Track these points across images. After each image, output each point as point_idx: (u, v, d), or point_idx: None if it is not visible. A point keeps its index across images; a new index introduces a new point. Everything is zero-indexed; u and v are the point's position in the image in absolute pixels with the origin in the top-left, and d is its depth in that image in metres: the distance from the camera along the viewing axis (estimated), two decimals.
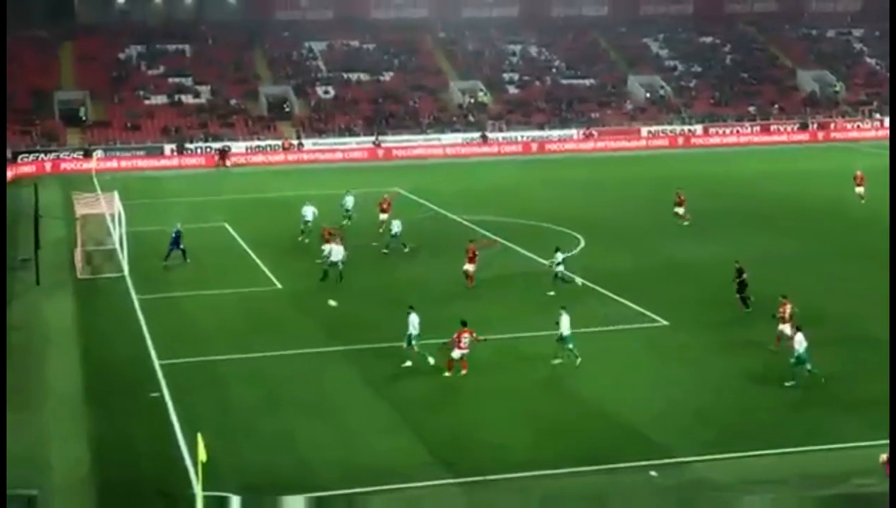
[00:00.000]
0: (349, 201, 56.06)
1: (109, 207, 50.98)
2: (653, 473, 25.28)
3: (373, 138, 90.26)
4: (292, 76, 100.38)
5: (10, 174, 76.56)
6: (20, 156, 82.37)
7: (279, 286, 43.75)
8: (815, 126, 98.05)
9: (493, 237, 51.99)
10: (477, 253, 43.22)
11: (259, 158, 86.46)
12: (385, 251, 49.22)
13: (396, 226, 49.53)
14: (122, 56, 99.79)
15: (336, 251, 43.90)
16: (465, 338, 32.11)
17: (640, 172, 77.66)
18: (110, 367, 33.96)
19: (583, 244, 51.34)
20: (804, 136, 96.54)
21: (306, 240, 51.17)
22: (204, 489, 21.96)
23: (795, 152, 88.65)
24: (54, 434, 28.43)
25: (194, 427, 25.40)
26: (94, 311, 41.07)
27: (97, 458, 26.76)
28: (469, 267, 42.83)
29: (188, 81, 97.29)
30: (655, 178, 73.99)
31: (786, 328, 33.42)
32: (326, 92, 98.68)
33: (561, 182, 73.87)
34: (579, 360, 32.80)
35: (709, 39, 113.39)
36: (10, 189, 71.54)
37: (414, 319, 33.17)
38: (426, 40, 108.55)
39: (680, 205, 56.26)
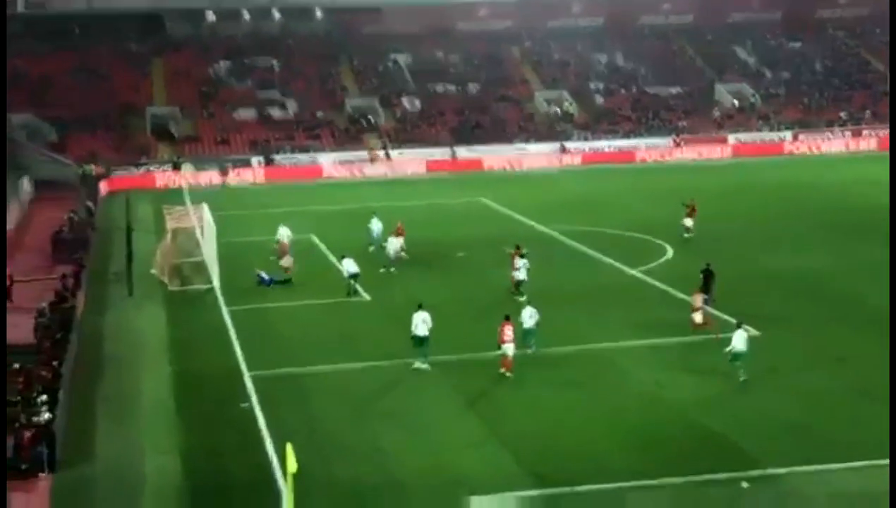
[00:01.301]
0: (376, 226, 53.11)
1: (199, 220, 51.66)
2: (745, 484, 24.94)
3: (457, 149, 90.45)
4: (378, 88, 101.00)
5: (103, 189, 78.20)
6: (113, 171, 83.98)
7: (367, 297, 43.92)
8: None
9: (587, 249, 51.70)
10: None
11: (345, 170, 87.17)
12: (387, 270, 48.54)
13: (392, 247, 49.04)
14: (211, 71, 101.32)
15: (348, 263, 44.36)
16: (508, 331, 32.90)
17: (729, 180, 76.69)
18: (201, 378, 34.44)
19: (670, 253, 50.88)
20: None
21: (371, 249, 51.88)
22: (294, 500, 22.07)
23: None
24: (147, 443, 28.87)
25: (284, 437, 25.55)
26: (185, 322, 41.66)
27: (188, 467, 27.13)
28: (515, 273, 43.29)
29: (275, 95, 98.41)
30: (744, 186, 73.17)
31: (696, 316, 36.70)
32: (412, 103, 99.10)
33: (648, 191, 73.24)
34: (534, 349, 34.65)
35: (798, 45, 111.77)
36: (103, 202, 73.06)
37: (417, 317, 33.82)
38: (511, 51, 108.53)
39: (690, 215, 54.57)
